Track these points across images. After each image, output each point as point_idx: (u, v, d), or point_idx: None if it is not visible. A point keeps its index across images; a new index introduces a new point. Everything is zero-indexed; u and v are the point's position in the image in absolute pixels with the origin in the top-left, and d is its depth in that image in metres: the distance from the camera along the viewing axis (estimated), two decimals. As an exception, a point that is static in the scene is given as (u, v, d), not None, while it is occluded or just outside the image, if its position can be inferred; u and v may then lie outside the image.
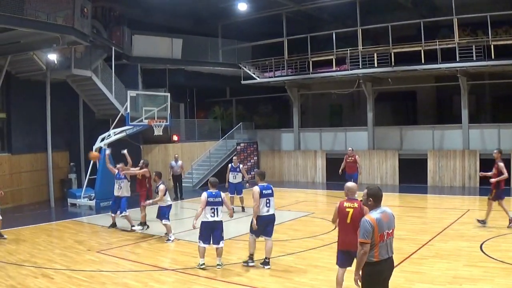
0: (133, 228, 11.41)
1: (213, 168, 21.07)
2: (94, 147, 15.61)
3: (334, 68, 19.96)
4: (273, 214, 8.10)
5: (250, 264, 8.18)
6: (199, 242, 8.09)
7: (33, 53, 15.06)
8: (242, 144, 22.66)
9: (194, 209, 11.78)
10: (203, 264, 8.08)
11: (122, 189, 11.65)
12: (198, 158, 21.73)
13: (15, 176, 16.26)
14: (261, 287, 7.15)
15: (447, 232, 10.42)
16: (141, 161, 12.75)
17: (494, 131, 18.13)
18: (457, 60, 17.03)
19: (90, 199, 15.48)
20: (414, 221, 11.87)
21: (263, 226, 7.94)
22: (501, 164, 10.46)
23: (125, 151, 12.74)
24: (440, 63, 17.37)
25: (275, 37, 21.53)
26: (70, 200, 16.12)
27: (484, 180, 12.04)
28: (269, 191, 8.06)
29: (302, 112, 23.95)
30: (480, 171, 13.84)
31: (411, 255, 8.53)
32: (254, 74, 22.04)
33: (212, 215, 7.99)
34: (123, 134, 15.98)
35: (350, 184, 6.31)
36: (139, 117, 15.96)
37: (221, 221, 8.11)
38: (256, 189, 7.98)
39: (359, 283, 4.79)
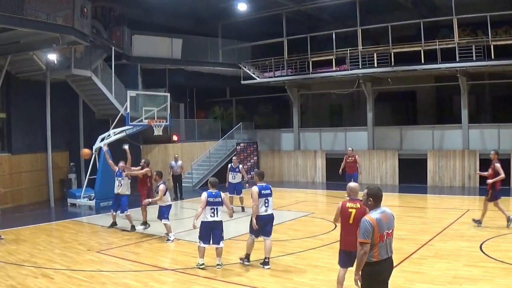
0: (137, 227, 11.40)
1: (213, 168, 21.07)
2: (94, 147, 15.63)
3: (334, 68, 19.96)
4: (272, 214, 8.13)
5: (246, 263, 8.23)
6: (199, 242, 8.10)
7: (33, 53, 15.06)
8: (242, 144, 22.66)
9: (194, 209, 11.80)
10: (202, 264, 8.09)
11: (122, 187, 11.66)
12: (198, 158, 21.73)
13: (15, 176, 16.26)
14: (261, 287, 7.15)
15: (447, 232, 10.42)
16: (143, 160, 12.75)
17: (494, 131, 18.14)
18: (457, 60, 17.03)
19: (90, 199, 15.48)
20: (414, 221, 11.87)
21: (262, 226, 7.97)
22: (498, 165, 10.51)
23: (126, 147, 12.65)
24: (440, 63, 17.37)
25: (275, 37, 21.52)
26: (70, 200, 16.12)
27: (483, 180, 12.05)
28: (268, 191, 8.09)
29: (302, 112, 23.95)
30: (479, 171, 13.82)
31: (411, 255, 8.53)
32: (254, 74, 22.04)
33: (212, 215, 8.00)
34: (123, 134, 15.99)
35: (352, 184, 6.30)
36: (139, 117, 15.96)
37: (221, 221, 8.12)
38: (255, 189, 8.01)
39: (359, 283, 4.79)
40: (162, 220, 10.32)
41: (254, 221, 7.92)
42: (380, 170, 20.01)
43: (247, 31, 22.56)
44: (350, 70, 19.48)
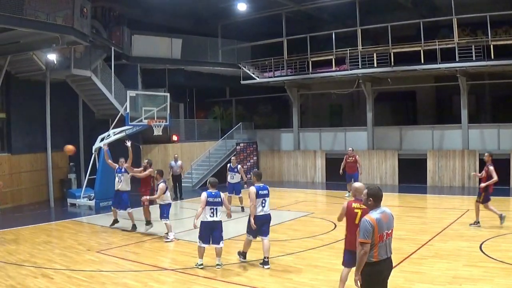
0: (143, 227, 11.36)
1: (212, 168, 21.07)
2: (94, 147, 15.63)
3: (333, 68, 19.96)
4: (269, 214, 8.20)
5: (241, 259, 8.35)
6: (199, 242, 8.10)
7: (32, 53, 15.06)
8: (241, 144, 22.65)
9: (194, 209, 11.80)
10: (202, 264, 8.10)
11: (122, 183, 11.67)
12: (197, 158, 21.72)
13: (15, 176, 16.25)
14: (261, 287, 7.15)
15: (446, 232, 10.43)
16: (145, 160, 12.68)
17: (494, 131, 18.14)
18: (457, 60, 17.04)
19: (90, 199, 15.48)
20: (414, 221, 11.88)
21: (259, 226, 8.02)
22: (491, 168, 10.50)
23: (129, 144, 12.54)
24: (439, 63, 17.37)
25: (274, 37, 21.53)
26: (69, 200, 16.12)
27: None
28: (265, 192, 8.14)
29: (301, 112, 23.95)
30: (479, 171, 13.82)
31: (410, 255, 8.53)
32: (253, 74, 22.04)
33: (212, 215, 8.01)
34: (123, 134, 15.97)
35: (357, 184, 6.27)
36: (139, 117, 15.94)
37: (221, 221, 8.13)
38: (253, 189, 8.05)
39: (359, 284, 4.79)
40: (162, 219, 10.32)
41: (252, 221, 7.96)
42: (380, 170, 20.01)
43: (247, 31, 22.57)
44: (350, 70, 19.48)
